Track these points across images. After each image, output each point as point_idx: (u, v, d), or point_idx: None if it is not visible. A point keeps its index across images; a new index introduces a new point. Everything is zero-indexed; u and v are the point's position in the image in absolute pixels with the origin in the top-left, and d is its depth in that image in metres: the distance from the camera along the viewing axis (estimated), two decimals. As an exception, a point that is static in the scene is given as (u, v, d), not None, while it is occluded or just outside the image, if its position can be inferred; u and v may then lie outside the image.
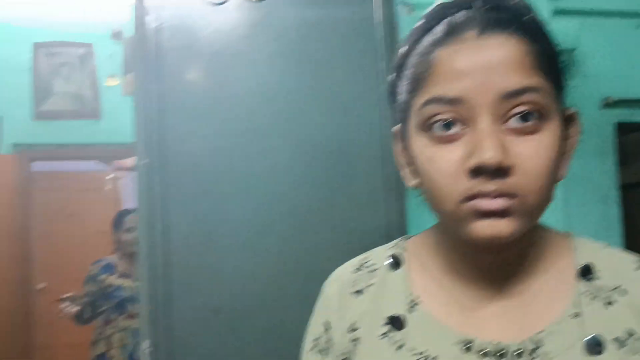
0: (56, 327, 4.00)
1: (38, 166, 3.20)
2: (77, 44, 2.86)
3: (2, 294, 2.95)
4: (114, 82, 2.92)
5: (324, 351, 0.75)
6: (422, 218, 1.23)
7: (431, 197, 0.62)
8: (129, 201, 4.13)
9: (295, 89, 1.35)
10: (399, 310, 0.70)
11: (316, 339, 0.77)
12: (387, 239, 1.25)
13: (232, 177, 1.33)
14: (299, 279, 1.33)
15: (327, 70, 1.35)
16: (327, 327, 0.75)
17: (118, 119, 2.92)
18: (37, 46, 2.87)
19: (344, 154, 1.34)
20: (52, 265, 4.11)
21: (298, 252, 1.33)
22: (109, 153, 2.98)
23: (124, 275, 3.05)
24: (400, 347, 0.67)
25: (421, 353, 0.66)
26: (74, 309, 2.99)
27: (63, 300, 3.01)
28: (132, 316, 2.98)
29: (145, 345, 1.27)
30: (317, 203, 1.33)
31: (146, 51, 1.31)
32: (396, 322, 0.70)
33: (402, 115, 0.65)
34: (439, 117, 0.58)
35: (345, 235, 1.33)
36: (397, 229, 1.31)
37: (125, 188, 4.33)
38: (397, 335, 0.69)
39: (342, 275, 0.78)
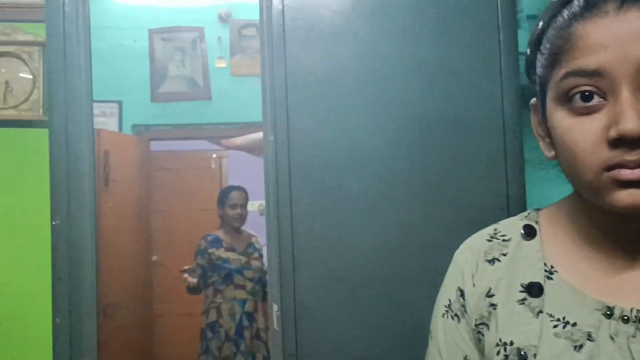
0: (170, 298, 4.29)
1: (153, 146, 3.44)
2: (189, 28, 3.03)
3: (127, 265, 3.20)
4: (222, 64, 3.07)
5: (457, 316, 0.79)
6: (542, 191, 1.23)
7: (570, 167, 0.63)
8: (233, 179, 4.33)
9: (414, 64, 1.37)
10: (535, 277, 0.72)
11: (449, 305, 0.81)
12: (506, 211, 1.27)
13: (353, 151, 1.38)
14: (418, 250, 1.36)
15: (447, 44, 1.36)
16: (461, 294, 0.79)
17: (227, 99, 3.07)
18: (152, 32, 3.06)
19: (465, 127, 1.36)
20: (163, 239, 4.39)
21: (417, 224, 1.36)
22: (218, 132, 3.14)
23: (230, 249, 3.22)
24: (539, 312, 0.70)
25: (559, 320, 0.68)
26: (194, 279, 3.21)
27: (184, 271, 3.23)
28: (239, 287, 3.15)
29: (274, 309, 1.36)
30: (436, 175, 1.36)
31: (272, 32, 1.38)
32: (534, 289, 0.72)
33: (540, 89, 0.67)
34: (578, 89, 0.60)
35: (464, 207, 1.35)
36: (516, 202, 1.31)
37: (229, 166, 4.55)
38: (535, 301, 0.71)
39: (475, 244, 0.81)
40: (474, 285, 0.77)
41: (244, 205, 3.32)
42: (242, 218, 3.31)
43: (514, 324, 0.72)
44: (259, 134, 3.04)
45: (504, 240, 0.79)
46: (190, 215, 4.55)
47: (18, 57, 2.04)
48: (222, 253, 3.19)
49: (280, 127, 1.37)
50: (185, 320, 4.75)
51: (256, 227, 3.47)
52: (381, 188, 1.38)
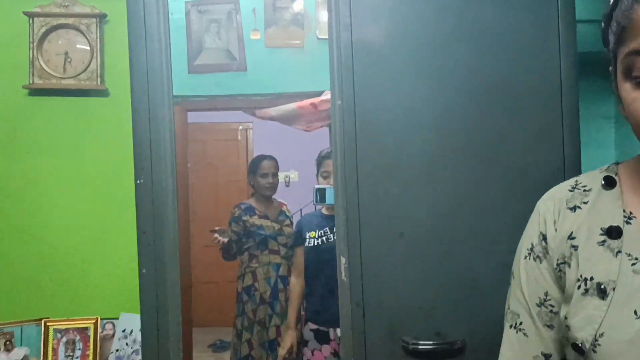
0: (199, 267, 4.42)
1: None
2: (224, 0, 3.08)
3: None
4: (257, 36, 3.13)
5: (538, 258, 0.89)
6: (598, 153, 1.33)
7: (636, 133, 0.73)
8: (258, 151, 4.42)
9: (474, 30, 1.45)
10: (615, 222, 0.82)
11: (531, 248, 0.91)
12: (561, 173, 1.36)
13: (415, 114, 1.47)
14: (475, 208, 1.46)
15: (506, 11, 1.43)
16: (543, 238, 0.89)
17: (261, 71, 3.13)
18: (189, 5, 3.12)
19: (521, 91, 1.44)
20: (192, 210, 4.51)
21: (474, 184, 1.46)
22: (253, 103, 3.21)
23: (263, 217, 3.31)
24: (617, 252, 0.80)
25: (637, 259, 0.78)
26: (224, 239, 3.30)
27: (214, 231, 3.32)
28: (273, 252, 3.25)
29: (342, 261, 1.47)
30: (494, 137, 1.45)
31: (339, 2, 1.45)
32: (613, 232, 0.82)
33: (613, 60, 0.76)
34: (638, 67, 0.69)
35: (521, 167, 1.44)
36: (571, 164, 1.40)
37: (255, 138, 4.63)
38: (614, 243, 0.81)
39: (557, 194, 0.91)
40: (556, 230, 0.87)
41: (275, 174, 3.39)
42: (274, 187, 3.39)
43: (594, 262, 0.81)
44: (292, 105, 3.12)
45: (584, 190, 0.89)
46: (217, 186, 4.65)
47: (76, 28, 2.12)
48: (256, 220, 3.28)
49: (346, 92, 1.46)
50: (213, 288, 4.90)
51: (282, 197, 3.57)
52: (440, 149, 1.47)
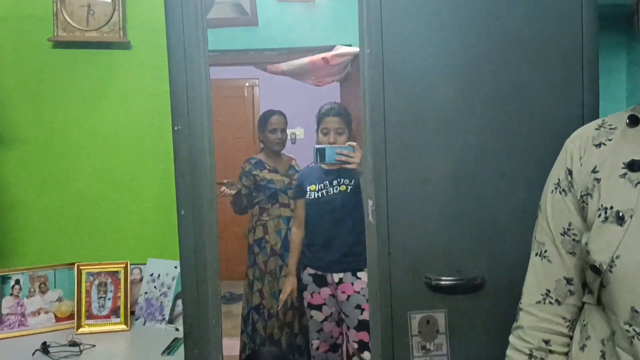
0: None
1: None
2: (236, -46, 3.08)
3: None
4: (268, -10, 3.14)
5: (564, 192, 0.98)
6: (610, 106, 1.42)
7: None
8: (265, 107, 4.46)
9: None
10: (636, 156, 0.91)
11: (558, 183, 1.00)
12: (580, 121, 1.44)
13: (441, 64, 1.52)
14: (496, 155, 1.53)
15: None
16: (569, 173, 0.98)
17: (273, 26, 3.15)
18: (199, -42, 3.12)
19: (543, 42, 1.49)
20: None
21: (496, 131, 1.53)
22: (264, 58, 3.24)
23: (273, 171, 3.37)
24: (637, 184, 0.88)
25: None
26: (232, 191, 3.36)
27: (221, 184, 3.38)
28: (283, 205, 3.32)
29: (369, 204, 1.56)
30: (516, 85, 1.51)
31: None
32: (634, 166, 0.90)
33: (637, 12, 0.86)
34: None
35: (542, 114, 1.51)
36: (590, 113, 1.48)
37: (262, 95, 4.63)
38: (634, 175, 0.89)
39: (584, 133, 1.00)
40: (581, 165, 0.96)
41: (283, 130, 3.43)
42: (282, 142, 3.43)
43: (615, 193, 0.90)
44: (304, 60, 3.16)
45: (610, 128, 0.97)
46: (224, 143, 4.68)
47: (98, -20, 2.15)
48: (266, 174, 3.34)
49: (375, 42, 1.51)
50: (221, 243, 5.00)
51: (289, 153, 3.62)
52: (464, 98, 1.53)
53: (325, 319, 2.80)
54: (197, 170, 1.49)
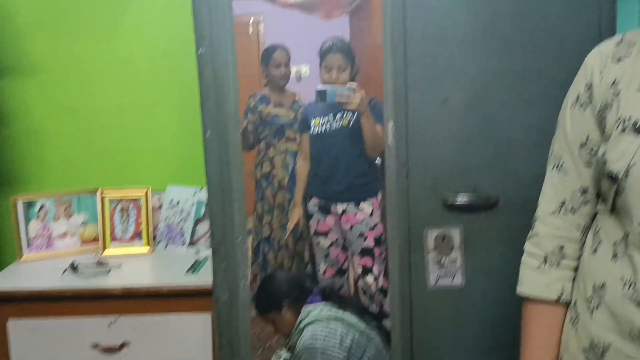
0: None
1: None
2: None
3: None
4: None
5: (583, 105, 1.02)
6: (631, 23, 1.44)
7: None
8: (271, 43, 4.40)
9: None
10: None
11: (577, 98, 1.04)
12: (596, 42, 1.47)
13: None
14: (514, 75, 1.57)
15: None
16: (589, 87, 1.01)
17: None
18: None
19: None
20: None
21: (515, 52, 1.56)
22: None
23: (278, 105, 3.38)
24: None
25: None
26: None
27: None
28: (289, 140, 3.35)
29: (390, 125, 1.60)
30: (534, 7, 1.54)
31: None
32: None
33: None
34: None
35: (558, 38, 1.54)
36: (607, 32, 1.51)
37: (266, 31, 4.55)
38: None
39: (604, 49, 1.03)
40: (601, 79, 1.00)
41: (287, 64, 3.41)
42: (286, 76, 3.42)
43: (633, 104, 0.94)
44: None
45: (630, 44, 1.00)
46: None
47: None
48: (272, 109, 3.35)
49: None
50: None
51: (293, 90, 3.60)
52: (484, 19, 1.56)
53: (331, 245, 2.91)
54: (221, 92, 1.53)
